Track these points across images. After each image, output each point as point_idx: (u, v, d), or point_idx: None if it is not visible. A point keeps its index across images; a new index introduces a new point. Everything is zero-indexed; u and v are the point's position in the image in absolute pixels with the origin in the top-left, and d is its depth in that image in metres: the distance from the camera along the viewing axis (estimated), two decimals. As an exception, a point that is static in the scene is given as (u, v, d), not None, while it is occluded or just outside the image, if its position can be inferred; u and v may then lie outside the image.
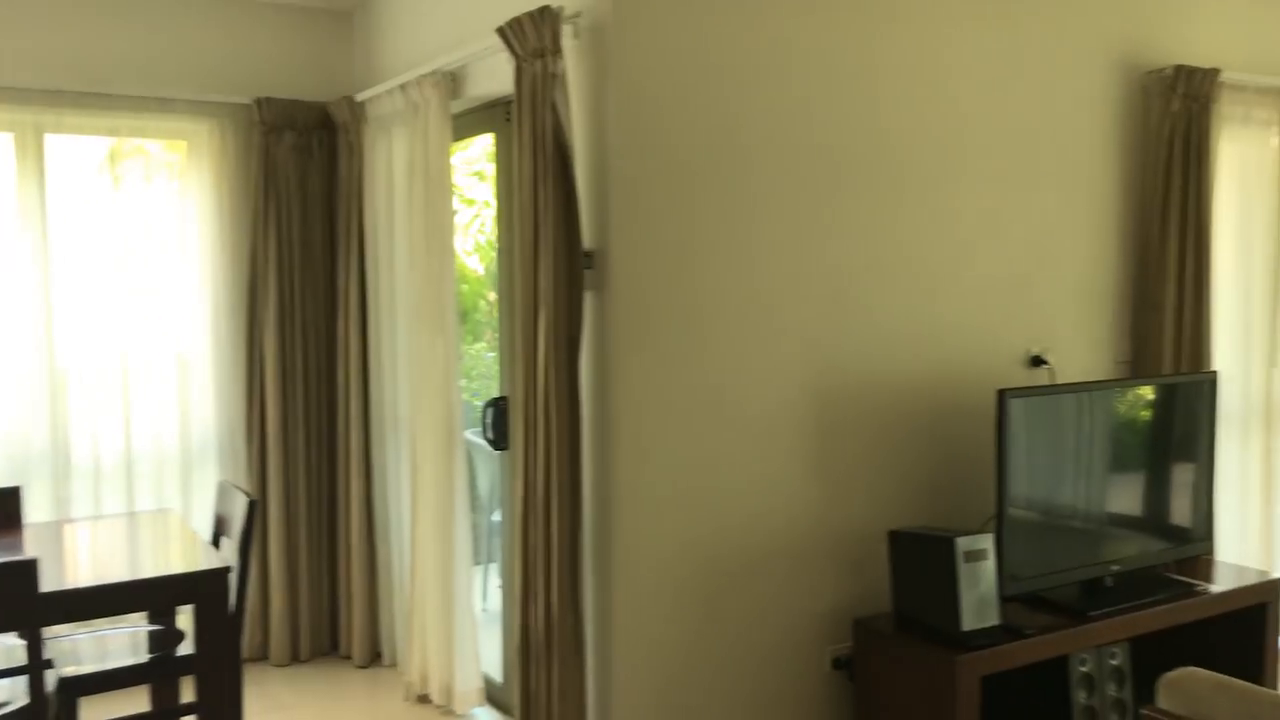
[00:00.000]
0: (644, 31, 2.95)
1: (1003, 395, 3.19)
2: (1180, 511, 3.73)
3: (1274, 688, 3.72)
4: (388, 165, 4.13)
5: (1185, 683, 1.85)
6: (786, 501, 3.24)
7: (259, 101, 4.20)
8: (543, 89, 2.94)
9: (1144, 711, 1.86)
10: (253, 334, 4.27)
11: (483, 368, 5.43)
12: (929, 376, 3.50)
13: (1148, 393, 3.63)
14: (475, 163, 5.13)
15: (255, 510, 3.20)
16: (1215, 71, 3.93)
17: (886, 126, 3.36)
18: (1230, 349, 4.23)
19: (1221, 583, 3.65)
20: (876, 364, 3.39)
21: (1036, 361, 3.74)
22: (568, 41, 3.02)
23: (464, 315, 5.92)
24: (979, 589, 3.06)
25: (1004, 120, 3.61)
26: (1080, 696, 3.30)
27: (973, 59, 3.52)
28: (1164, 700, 1.88)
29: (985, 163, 3.58)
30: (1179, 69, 3.85)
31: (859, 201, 3.33)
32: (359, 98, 4.20)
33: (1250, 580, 3.67)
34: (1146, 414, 3.64)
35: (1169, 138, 3.88)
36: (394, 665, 4.26)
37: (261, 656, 4.33)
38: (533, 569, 2.99)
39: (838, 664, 3.33)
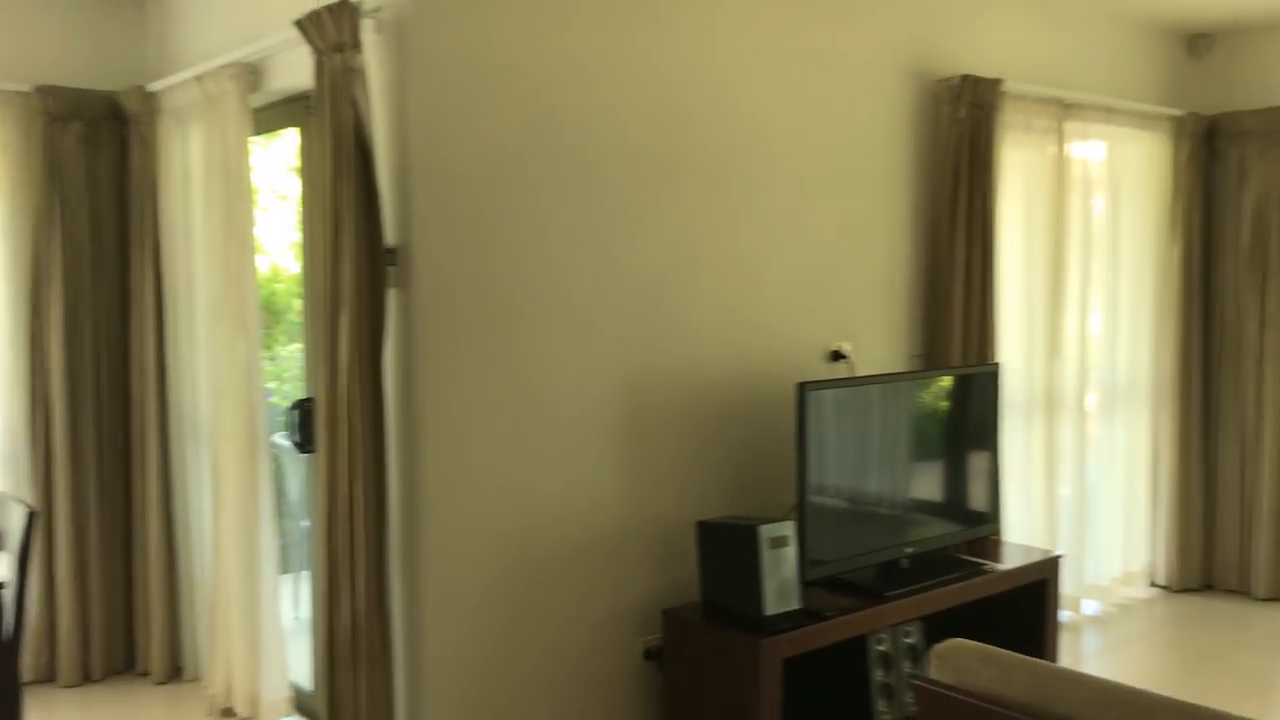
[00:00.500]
0: (446, 27, 2.93)
1: (802, 388, 3.32)
2: (970, 495, 3.96)
3: (1054, 656, 3.99)
4: (184, 159, 3.96)
5: (952, 654, 1.97)
6: (598, 497, 3.28)
7: (41, 90, 3.95)
8: (343, 83, 2.89)
9: (914, 682, 1.97)
10: (36, 337, 4.02)
11: (297, 369, 5.28)
12: (736, 372, 3.61)
13: (938, 384, 3.83)
14: (289, 158, 4.98)
15: (34, 521, 3.02)
16: (998, 81, 4.18)
17: (691, 128, 3.44)
18: (1015, 342, 4.51)
19: (1008, 561, 3.89)
20: (685, 361, 3.47)
21: (836, 356, 3.90)
22: (368, 36, 2.97)
23: (279, 315, 5.74)
24: (781, 575, 3.17)
25: (803, 125, 3.75)
26: (878, 674, 3.46)
27: (773, 66, 3.64)
28: (934, 671, 2.00)
29: (786, 165, 3.71)
30: (965, 78, 4.09)
31: (666, 201, 3.39)
32: (152, 88, 4.01)
33: (1034, 558, 3.92)
34: (938, 404, 3.85)
35: (957, 143, 4.10)
36: (196, 679, 4.09)
37: (48, 678, 4.08)
38: (338, 572, 2.93)
39: (649, 655, 3.38)
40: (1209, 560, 5.26)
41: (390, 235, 2.96)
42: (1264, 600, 5.06)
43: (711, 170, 3.50)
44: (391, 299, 2.98)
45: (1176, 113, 5.05)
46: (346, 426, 2.88)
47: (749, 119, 3.59)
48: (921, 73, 4.13)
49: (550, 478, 3.18)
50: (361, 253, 2.86)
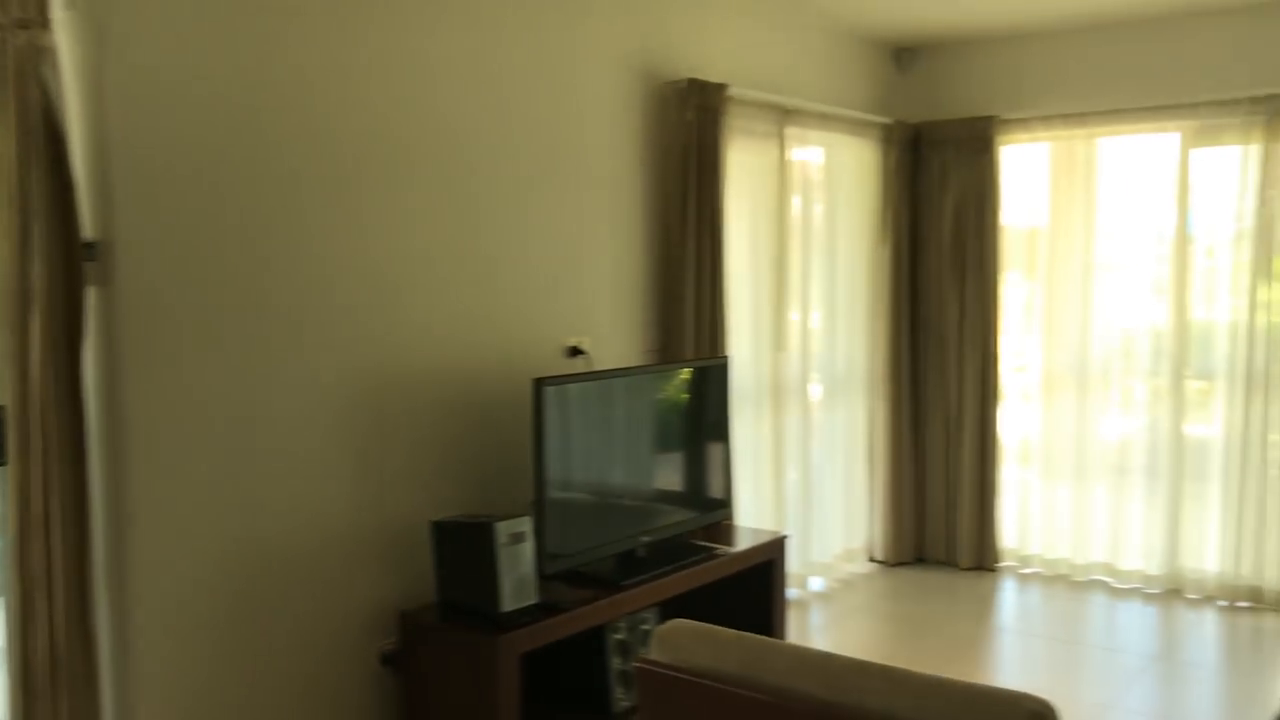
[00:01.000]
0: (147, 6, 2.75)
1: (539, 384, 3.34)
2: (704, 482, 4.11)
3: (783, 631, 4.21)
4: None
5: (671, 635, 2.04)
6: (329, 501, 3.18)
7: None
8: (29, 63, 2.65)
9: (635, 663, 2.03)
10: None
11: None
12: (474, 369, 3.59)
13: (672, 377, 3.96)
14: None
15: None
16: (723, 86, 4.36)
17: (427, 124, 3.39)
18: (744, 336, 4.73)
19: (739, 544, 4.07)
20: (420, 358, 3.42)
21: (574, 352, 3.95)
22: (59, 13, 2.75)
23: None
24: (519, 570, 3.18)
25: (535, 123, 3.78)
26: (616, 662, 3.54)
27: (502, 64, 3.65)
28: (655, 651, 2.06)
29: (518, 163, 3.72)
30: (692, 81, 4.24)
31: (393, 199, 3.33)
32: None
33: (763, 540, 4.12)
34: (672, 396, 3.98)
35: (685, 144, 4.25)
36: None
37: None
38: (34, 594, 2.69)
39: (385, 660, 3.31)
40: (920, 535, 5.70)
41: (89, 229, 2.76)
42: (967, 570, 5.53)
43: (442, 168, 3.46)
44: (91, 297, 2.77)
45: (886, 121, 5.44)
46: (40, 436, 2.65)
47: (479, 117, 3.58)
48: (651, 74, 4.25)
49: (276, 483, 3.05)
50: (54, 247, 2.64)
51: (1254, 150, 4.81)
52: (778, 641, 1.97)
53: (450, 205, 3.50)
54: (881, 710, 1.80)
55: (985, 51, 5.53)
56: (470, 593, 3.18)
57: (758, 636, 2.01)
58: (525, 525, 3.22)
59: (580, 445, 3.54)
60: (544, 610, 3.21)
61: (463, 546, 3.19)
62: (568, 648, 3.58)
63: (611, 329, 4.13)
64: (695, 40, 4.46)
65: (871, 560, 5.65)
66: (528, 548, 3.22)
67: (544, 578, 3.34)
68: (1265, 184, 4.78)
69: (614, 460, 3.70)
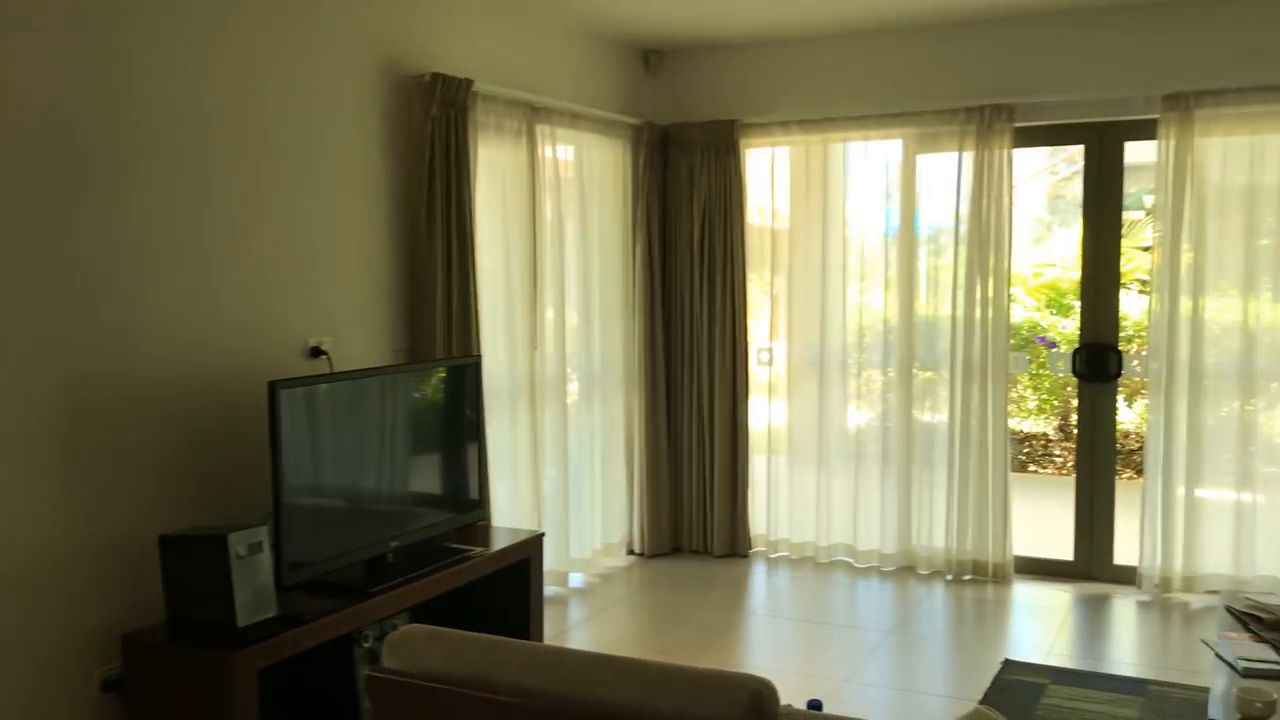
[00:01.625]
0: None
1: (274, 387, 3.19)
2: (457, 483, 4.06)
3: (540, 630, 4.21)
4: None
5: (404, 640, 1.99)
6: (35, 519, 2.92)
7: None
8: None
9: (368, 673, 1.97)
10: None
11: None
12: (208, 373, 3.39)
13: (422, 377, 3.88)
14: None
15: None
16: (469, 82, 4.31)
17: (141, 119, 3.17)
18: (497, 335, 4.70)
19: (495, 544, 4.04)
20: (144, 362, 3.20)
21: (316, 352, 3.81)
22: None
23: None
24: (256, 582, 3.03)
25: (269, 117, 3.61)
26: (364, 672, 3.44)
27: (241, 54, 3.47)
28: (389, 660, 2.01)
29: (251, 158, 3.55)
30: (436, 76, 4.17)
31: (106, 197, 3.10)
32: None
33: (519, 539, 4.11)
34: (422, 397, 3.90)
35: (431, 140, 4.17)
36: None
37: None
38: None
39: (108, 686, 3.08)
40: (677, 526, 5.85)
41: None
42: (722, 558, 5.72)
43: (166, 165, 3.25)
44: None
45: (635, 121, 5.54)
46: None
47: (207, 112, 3.38)
48: (394, 68, 4.15)
49: (-26, 502, 2.78)
50: None
51: (968, 157, 5.20)
52: (511, 640, 1.96)
53: (177, 203, 3.29)
54: (613, 701, 1.82)
55: (730, 56, 5.73)
56: (203, 609, 3.00)
57: (491, 637, 2.00)
58: (262, 535, 3.08)
59: (324, 449, 3.41)
60: (283, 623, 3.07)
61: (194, 561, 3.01)
62: (315, 660, 3.44)
63: (357, 328, 4.01)
64: (441, 35, 4.39)
65: (631, 553, 5.75)
66: (265, 558, 3.07)
67: (285, 589, 3.19)
68: (979, 188, 5.18)
69: (361, 464, 3.59)
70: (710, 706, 1.75)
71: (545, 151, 4.91)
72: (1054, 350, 7.67)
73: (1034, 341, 7.97)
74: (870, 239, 5.58)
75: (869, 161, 5.55)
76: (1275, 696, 2.63)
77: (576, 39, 5.29)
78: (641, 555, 5.72)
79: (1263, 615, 3.29)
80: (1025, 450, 8.28)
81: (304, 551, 3.29)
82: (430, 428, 3.94)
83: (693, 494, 5.81)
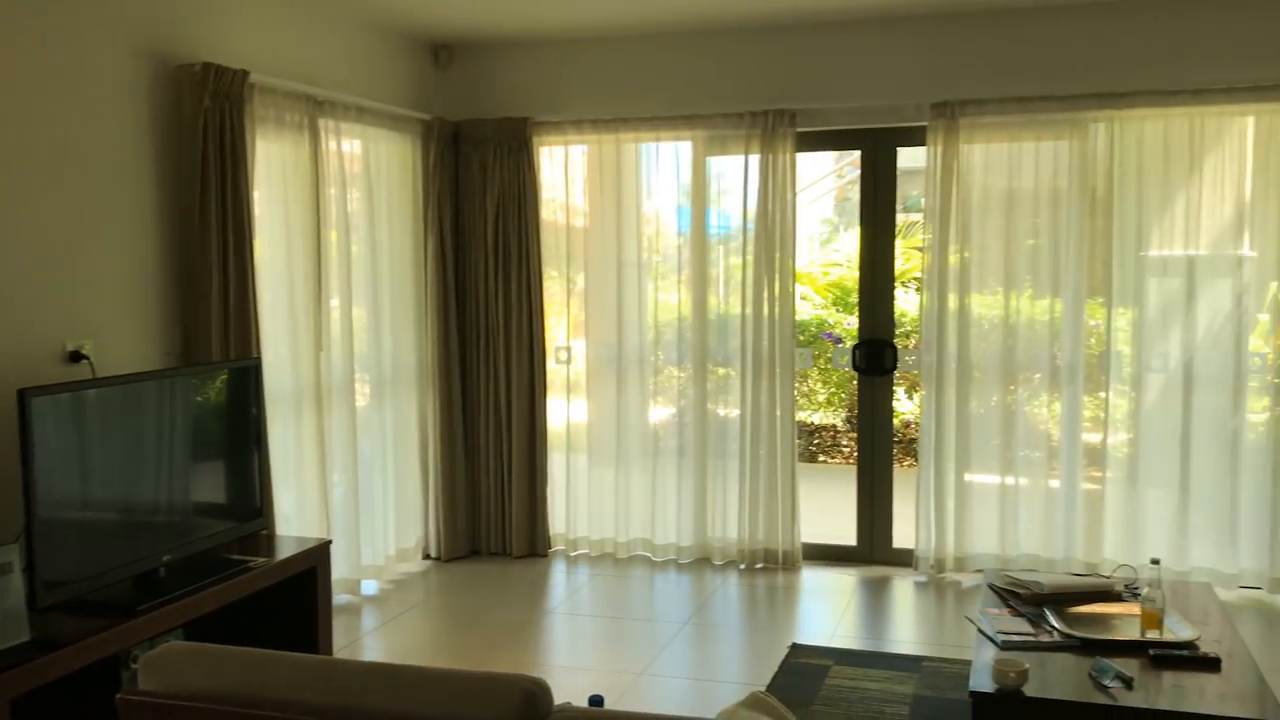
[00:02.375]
0: None
1: (24, 395, 2.96)
2: (237, 492, 3.88)
3: (328, 640, 4.07)
4: None
5: (162, 660, 1.88)
6: None
7: None
8: None
9: (119, 697, 1.85)
10: None
11: None
12: (-57, 380, 3.11)
13: (195, 381, 3.68)
14: None
15: None
16: (245, 73, 4.12)
17: None
18: (280, 335, 4.51)
19: (278, 554, 3.88)
20: None
21: (76, 357, 3.56)
22: None
23: None
24: (5, 605, 2.81)
25: (21, 106, 3.34)
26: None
27: (-27, 27, 3.20)
28: (145, 680, 1.89)
29: (2, 150, 3.28)
30: (208, 66, 3.96)
31: None
32: None
33: (305, 548, 3.95)
34: (196, 401, 3.70)
35: (204, 133, 3.97)
36: None
37: None
38: None
39: None
40: (474, 528, 5.79)
41: None
42: (520, 558, 5.70)
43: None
44: None
45: (425, 117, 5.44)
46: None
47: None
48: (163, 57, 3.92)
49: None
50: None
51: (755, 159, 5.36)
52: (280, 654, 1.88)
53: (-95, 191, 3.00)
54: (384, 709, 1.77)
55: (522, 54, 5.70)
56: (-58, 638, 2.75)
57: (260, 651, 1.91)
58: (12, 555, 2.86)
59: (85, 461, 3.19)
60: (38, 647, 2.85)
61: (-69, 586, 2.76)
62: (81, 684, 3.21)
63: (124, 331, 3.76)
64: (214, 23, 4.18)
65: (427, 558, 5.64)
66: (16, 579, 2.85)
67: (40, 610, 2.97)
68: (765, 190, 5.34)
69: (129, 475, 3.37)
70: (483, 709, 1.73)
71: (330, 146, 4.75)
72: (839, 346, 8.02)
73: (822, 338, 8.31)
74: (665, 238, 5.67)
75: (662, 162, 5.64)
76: (1027, 666, 2.83)
77: (361, 32, 5.14)
78: (438, 559, 5.63)
79: (1020, 591, 3.53)
80: (816, 441, 8.61)
81: (63, 570, 3.07)
82: (206, 434, 3.75)
83: (490, 495, 5.75)
